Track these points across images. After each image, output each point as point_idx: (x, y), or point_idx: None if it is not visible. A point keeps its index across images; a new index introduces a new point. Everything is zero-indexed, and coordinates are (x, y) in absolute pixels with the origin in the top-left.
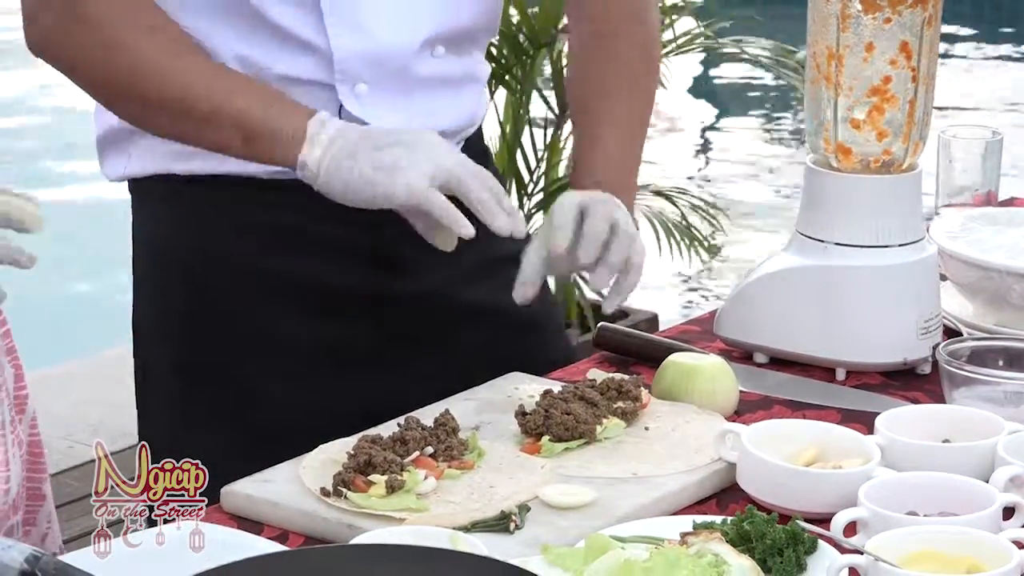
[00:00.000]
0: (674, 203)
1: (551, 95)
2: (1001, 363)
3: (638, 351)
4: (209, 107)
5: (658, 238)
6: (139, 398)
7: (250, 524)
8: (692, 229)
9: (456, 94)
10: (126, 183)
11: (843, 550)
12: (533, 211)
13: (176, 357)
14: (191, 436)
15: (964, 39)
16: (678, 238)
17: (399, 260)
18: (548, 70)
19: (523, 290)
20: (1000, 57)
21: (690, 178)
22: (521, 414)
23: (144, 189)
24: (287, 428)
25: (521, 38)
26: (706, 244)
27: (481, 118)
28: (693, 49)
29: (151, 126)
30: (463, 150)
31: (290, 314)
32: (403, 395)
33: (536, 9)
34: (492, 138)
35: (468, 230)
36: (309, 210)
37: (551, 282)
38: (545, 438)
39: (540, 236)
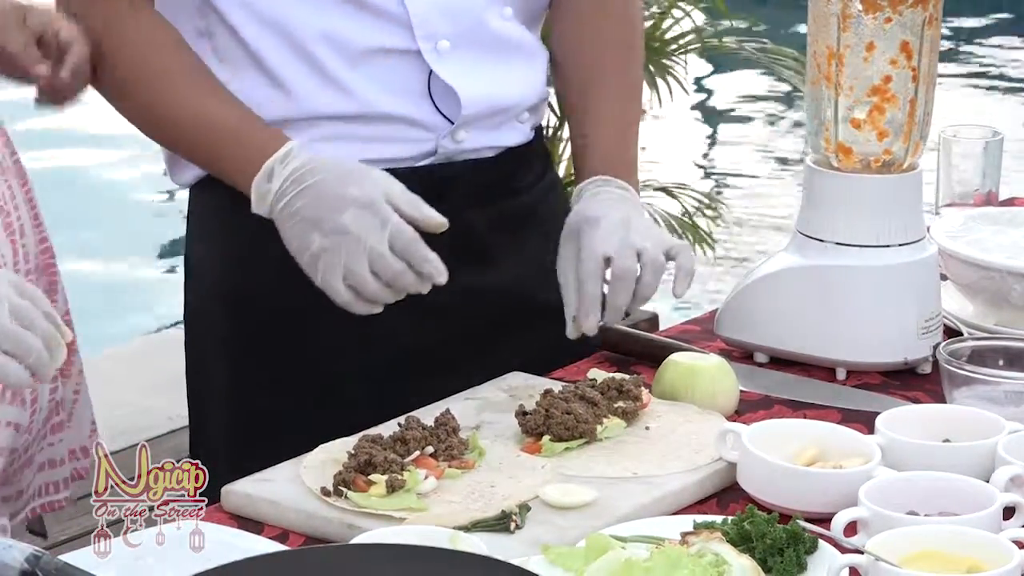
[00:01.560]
0: (676, 199)
1: (553, 96)
2: (1001, 363)
3: (638, 351)
4: (192, 147)
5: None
6: (194, 400)
7: (250, 524)
8: (696, 225)
9: (525, 63)
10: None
11: (843, 550)
12: None
13: (253, 361)
14: (259, 443)
15: None
16: (680, 233)
17: (483, 248)
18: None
19: (589, 309)
20: None
21: (705, 182)
22: (521, 414)
23: (220, 188)
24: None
25: None
26: (711, 239)
27: (544, 95)
28: (694, 49)
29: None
30: (534, 139)
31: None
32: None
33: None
34: None
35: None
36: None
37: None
38: (546, 438)
39: (568, 272)
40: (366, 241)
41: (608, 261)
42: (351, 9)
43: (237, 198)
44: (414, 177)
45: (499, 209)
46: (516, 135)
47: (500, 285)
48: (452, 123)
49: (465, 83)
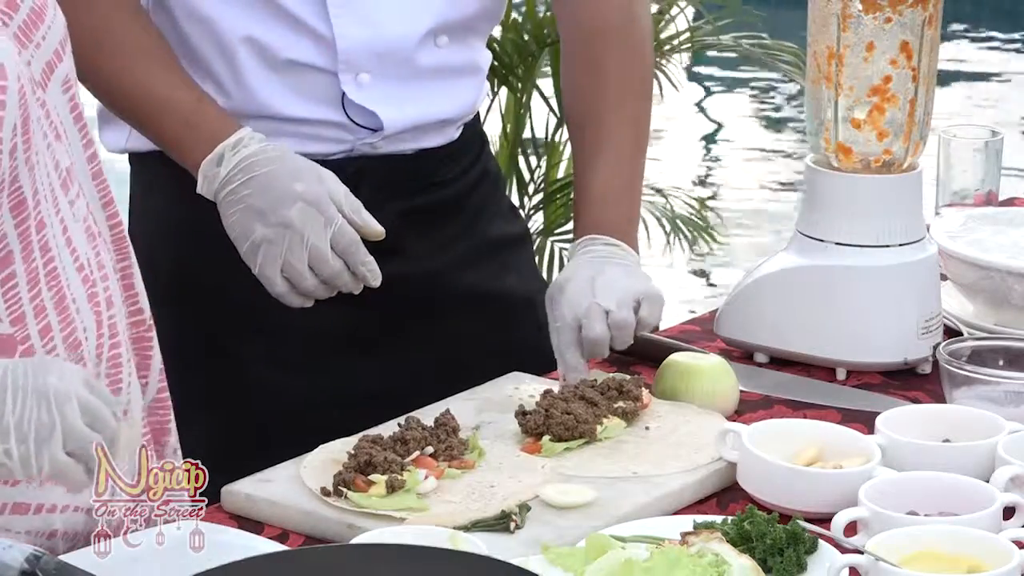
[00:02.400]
0: (670, 201)
1: (552, 95)
2: (1001, 363)
3: (638, 351)
4: (145, 119)
5: (666, 233)
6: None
7: (250, 524)
8: (695, 219)
9: (457, 83)
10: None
11: (843, 550)
12: (532, 212)
13: (169, 336)
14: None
15: None
16: (680, 227)
17: (399, 245)
18: (550, 70)
19: (575, 376)
20: None
21: (699, 186)
22: (521, 414)
23: (147, 163)
24: (279, 411)
25: (526, 37)
26: (711, 233)
27: (479, 104)
28: (692, 48)
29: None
30: (462, 136)
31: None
32: (399, 378)
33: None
34: (493, 138)
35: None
36: None
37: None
38: (546, 438)
39: (557, 326)
40: (309, 237)
41: (580, 327)
42: (282, 25)
43: (177, 171)
44: (327, 168)
45: (414, 203)
46: (439, 139)
47: (408, 273)
48: (372, 130)
49: (387, 109)
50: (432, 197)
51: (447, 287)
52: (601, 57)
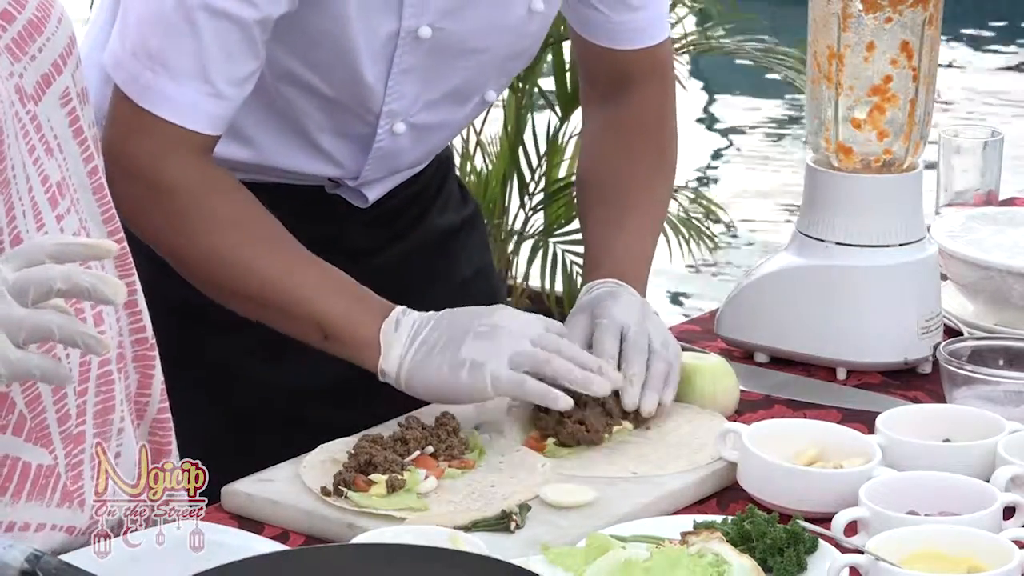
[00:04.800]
0: (675, 199)
1: (553, 95)
2: (1001, 363)
3: None
4: (288, 303)
5: (666, 236)
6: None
7: (250, 524)
8: (694, 220)
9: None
10: None
11: (844, 550)
12: (531, 213)
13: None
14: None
15: None
16: (684, 232)
17: (359, 250)
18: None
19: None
20: None
21: (701, 180)
22: (543, 410)
23: None
24: (257, 405)
25: None
26: (710, 234)
27: None
28: (694, 51)
29: (231, 307)
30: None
31: None
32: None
33: None
34: (493, 138)
35: (567, 403)
36: (277, 205)
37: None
38: (551, 441)
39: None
40: (525, 330)
41: (624, 333)
42: (312, 156)
43: None
44: (299, 194)
45: (378, 210)
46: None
47: (366, 274)
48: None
49: (373, 190)
50: (394, 201)
51: (405, 274)
52: (628, 154)
